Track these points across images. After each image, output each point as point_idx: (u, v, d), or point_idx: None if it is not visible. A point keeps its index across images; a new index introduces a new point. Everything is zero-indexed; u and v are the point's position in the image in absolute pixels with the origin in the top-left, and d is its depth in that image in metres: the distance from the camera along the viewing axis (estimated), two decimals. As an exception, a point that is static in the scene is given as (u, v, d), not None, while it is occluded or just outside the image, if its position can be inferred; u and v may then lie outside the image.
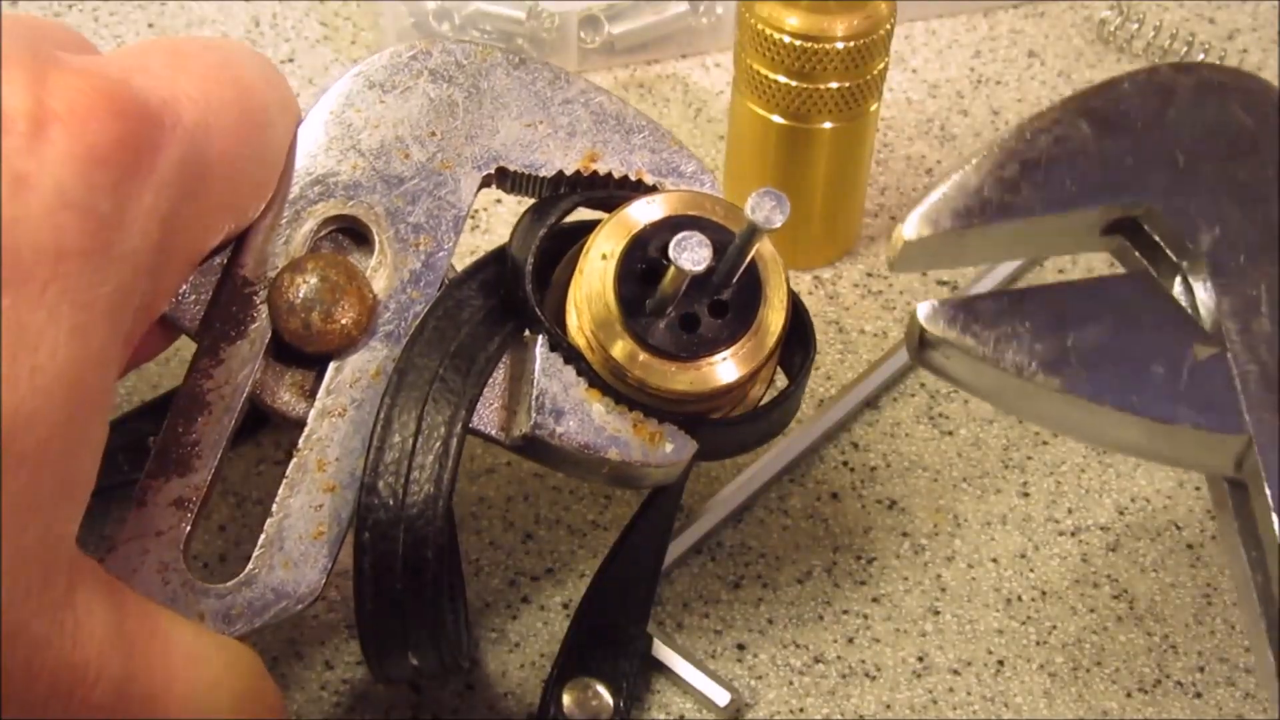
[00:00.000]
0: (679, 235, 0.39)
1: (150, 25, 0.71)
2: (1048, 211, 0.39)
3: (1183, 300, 0.40)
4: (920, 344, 0.39)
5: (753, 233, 0.39)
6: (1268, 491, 0.38)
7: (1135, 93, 0.41)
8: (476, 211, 0.63)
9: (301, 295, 0.42)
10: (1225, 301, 0.39)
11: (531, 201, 0.46)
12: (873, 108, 0.59)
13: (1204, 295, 0.39)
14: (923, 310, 0.39)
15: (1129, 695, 0.50)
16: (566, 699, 0.48)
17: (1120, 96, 0.41)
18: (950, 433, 0.57)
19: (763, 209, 0.38)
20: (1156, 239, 0.40)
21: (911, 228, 0.39)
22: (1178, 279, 0.40)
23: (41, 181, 0.33)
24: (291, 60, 0.70)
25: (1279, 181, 0.40)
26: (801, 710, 0.50)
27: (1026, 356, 0.38)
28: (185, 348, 0.45)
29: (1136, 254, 0.41)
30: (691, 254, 0.38)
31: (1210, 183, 0.40)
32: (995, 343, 0.38)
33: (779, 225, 0.38)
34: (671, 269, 0.39)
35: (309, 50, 0.71)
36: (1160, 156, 0.40)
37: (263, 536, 0.42)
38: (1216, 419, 0.38)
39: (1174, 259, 0.40)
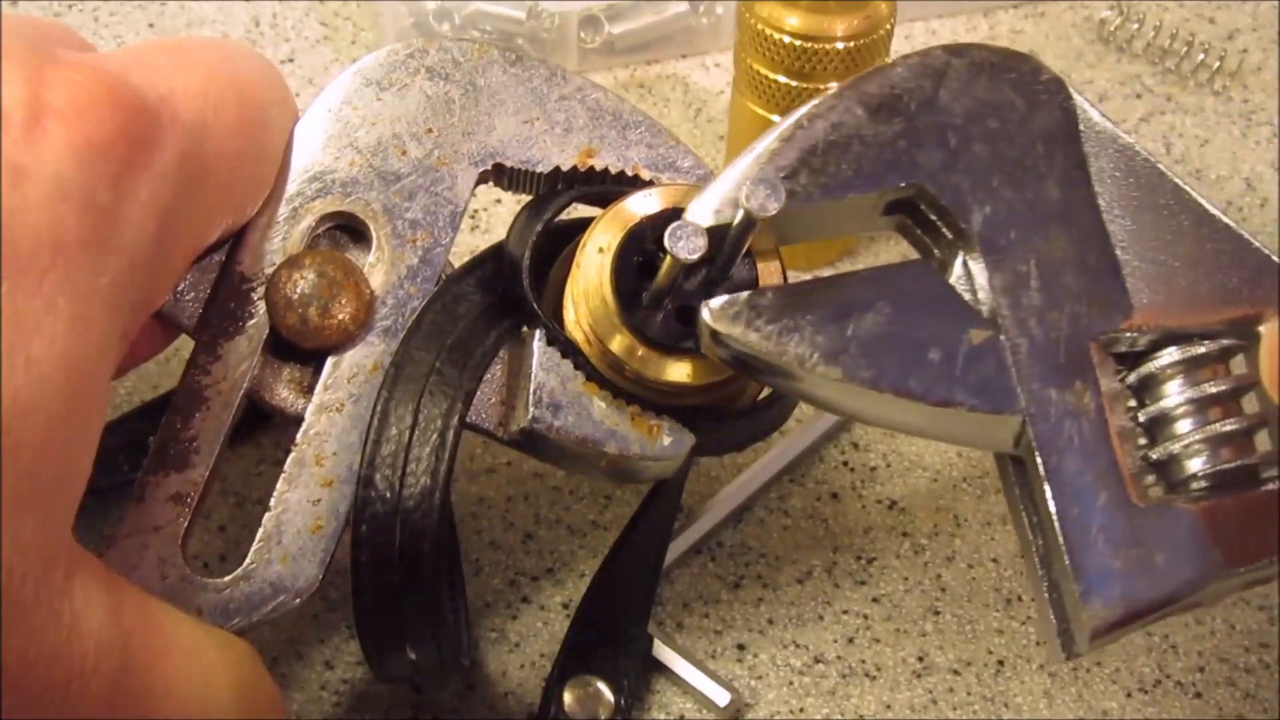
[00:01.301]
0: (674, 224, 0.39)
1: (150, 25, 0.71)
2: (825, 198, 0.40)
3: (961, 282, 0.41)
4: (709, 339, 0.40)
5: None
6: (1039, 462, 0.39)
7: (908, 75, 0.41)
8: (476, 211, 0.63)
9: (299, 291, 0.42)
10: (997, 278, 0.40)
11: (529, 199, 0.46)
12: (872, 107, 0.58)
13: (978, 272, 0.40)
14: (709, 307, 0.39)
15: (1129, 695, 0.50)
16: (568, 697, 0.48)
17: (894, 80, 0.41)
18: (950, 432, 0.57)
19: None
20: (933, 218, 0.41)
21: (695, 218, 0.40)
22: (958, 259, 0.41)
23: (39, 173, 0.33)
24: (291, 60, 0.70)
25: (1047, 159, 0.41)
26: (801, 710, 0.50)
27: (808, 348, 0.39)
28: (184, 347, 0.45)
29: (918, 232, 0.42)
30: (687, 243, 0.38)
31: (981, 162, 0.41)
32: (778, 336, 0.39)
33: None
34: (667, 260, 0.39)
35: (309, 50, 0.71)
36: (932, 137, 0.41)
37: (260, 531, 0.42)
38: (991, 400, 0.39)
39: (950, 237, 0.41)
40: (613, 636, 0.49)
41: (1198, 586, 0.38)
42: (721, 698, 0.49)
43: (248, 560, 0.42)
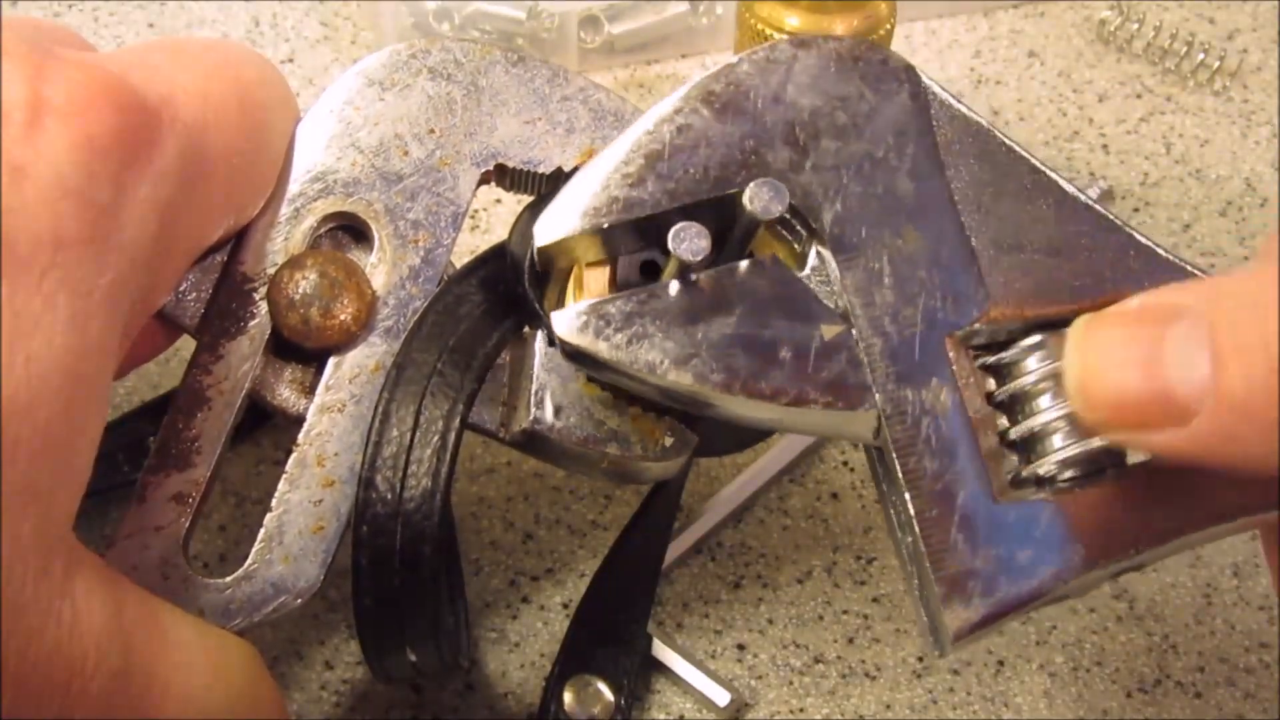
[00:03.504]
0: (677, 226, 0.38)
1: (150, 25, 0.71)
2: (673, 204, 0.39)
3: (818, 273, 0.40)
4: (563, 353, 0.39)
5: (751, 223, 0.39)
6: (897, 464, 0.38)
7: (754, 72, 0.40)
8: (476, 211, 0.63)
9: (301, 291, 0.42)
10: (849, 277, 0.39)
11: (530, 199, 0.46)
12: (873, 107, 0.58)
13: (833, 270, 0.39)
14: (558, 320, 0.39)
15: (1129, 695, 0.50)
16: (568, 696, 0.48)
17: (739, 78, 0.40)
18: (950, 432, 0.57)
19: (760, 199, 0.38)
20: (787, 217, 0.40)
21: (543, 233, 0.39)
22: (812, 256, 0.40)
23: (39, 171, 0.33)
24: (291, 60, 0.70)
25: (898, 151, 0.40)
26: (801, 710, 0.50)
27: (658, 355, 0.38)
28: (185, 348, 0.45)
29: (778, 228, 0.41)
30: (690, 244, 0.38)
31: (830, 158, 0.40)
32: (627, 345, 0.38)
33: (777, 215, 0.38)
34: (670, 261, 0.39)
35: (309, 50, 0.71)
36: (780, 135, 0.40)
37: (262, 531, 0.42)
38: (845, 397, 0.38)
39: (805, 235, 0.40)
40: (613, 636, 0.49)
41: (1060, 582, 0.38)
42: (721, 698, 0.49)
43: (249, 560, 0.42)
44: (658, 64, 0.70)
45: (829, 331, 0.39)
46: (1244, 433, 0.34)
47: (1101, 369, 0.36)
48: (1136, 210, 0.66)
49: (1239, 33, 0.75)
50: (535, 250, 0.39)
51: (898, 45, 0.70)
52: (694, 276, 0.39)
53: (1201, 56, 0.71)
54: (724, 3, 0.69)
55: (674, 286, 0.39)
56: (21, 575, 0.32)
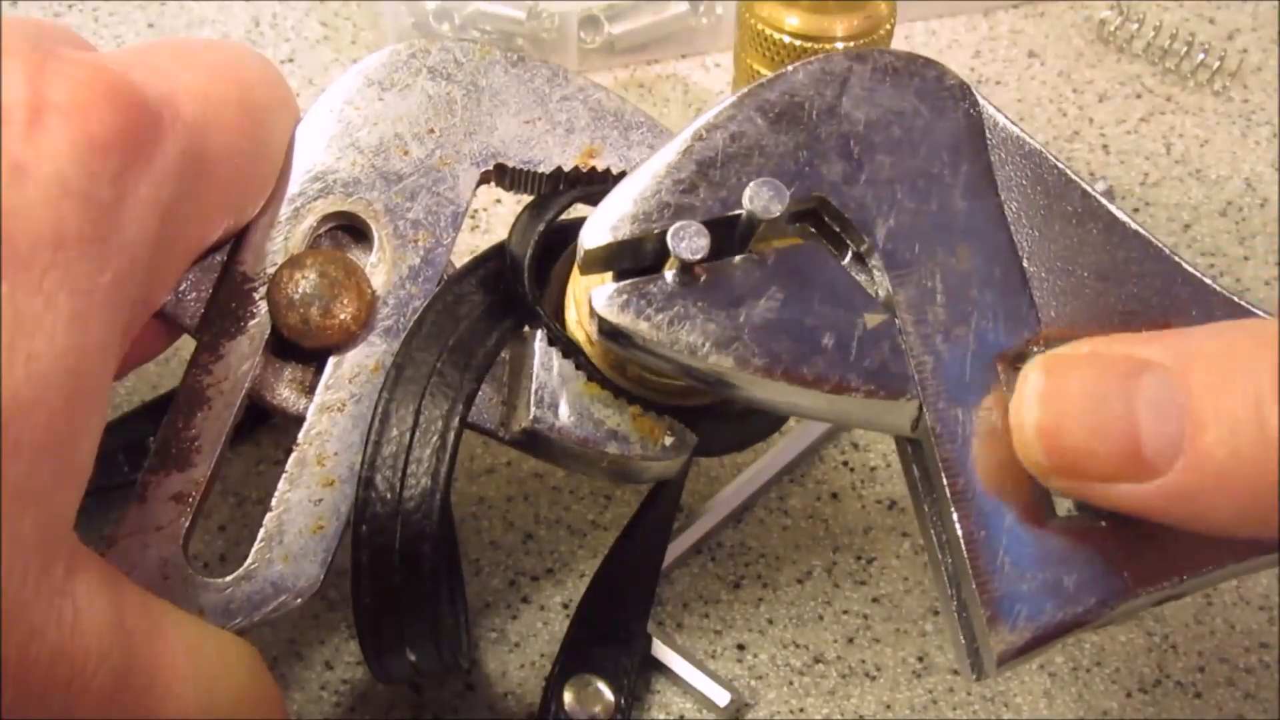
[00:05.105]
0: (677, 224, 0.38)
1: (150, 25, 0.71)
2: (724, 211, 0.39)
3: (857, 264, 0.40)
4: (600, 331, 0.39)
5: (751, 222, 0.39)
6: (945, 483, 0.38)
7: (809, 83, 0.40)
8: (476, 211, 0.63)
9: (301, 291, 0.42)
10: (901, 293, 0.39)
11: (530, 199, 0.46)
12: (873, 107, 0.58)
13: (882, 283, 0.39)
14: (598, 298, 0.38)
15: (1129, 695, 0.50)
16: (568, 696, 0.48)
17: (794, 87, 0.40)
18: (950, 432, 0.57)
19: (760, 198, 0.38)
20: (837, 230, 0.40)
21: (591, 236, 0.39)
22: (850, 254, 0.40)
23: (40, 170, 0.33)
24: (291, 60, 0.70)
25: (952, 168, 0.40)
26: (801, 710, 0.50)
27: (699, 337, 0.38)
28: (185, 348, 0.45)
29: (824, 242, 0.41)
30: (690, 243, 0.38)
31: (885, 172, 0.40)
32: (668, 325, 0.38)
33: (777, 214, 0.38)
34: (670, 260, 0.39)
35: (309, 50, 0.71)
36: (834, 147, 0.40)
37: (262, 531, 0.42)
38: (886, 385, 0.38)
39: (854, 248, 0.40)
40: (612, 636, 0.49)
41: (1106, 609, 0.38)
42: (721, 698, 0.49)
43: (249, 560, 0.42)
44: (658, 64, 0.70)
45: (872, 320, 0.39)
46: (1213, 497, 0.34)
47: (1067, 415, 0.36)
48: (1136, 210, 0.66)
49: (1239, 33, 0.75)
50: (582, 252, 0.39)
51: (897, 45, 0.70)
52: (737, 259, 0.39)
53: (1201, 56, 0.71)
54: (724, 3, 0.69)
55: (719, 266, 0.39)
56: (23, 574, 0.32)
